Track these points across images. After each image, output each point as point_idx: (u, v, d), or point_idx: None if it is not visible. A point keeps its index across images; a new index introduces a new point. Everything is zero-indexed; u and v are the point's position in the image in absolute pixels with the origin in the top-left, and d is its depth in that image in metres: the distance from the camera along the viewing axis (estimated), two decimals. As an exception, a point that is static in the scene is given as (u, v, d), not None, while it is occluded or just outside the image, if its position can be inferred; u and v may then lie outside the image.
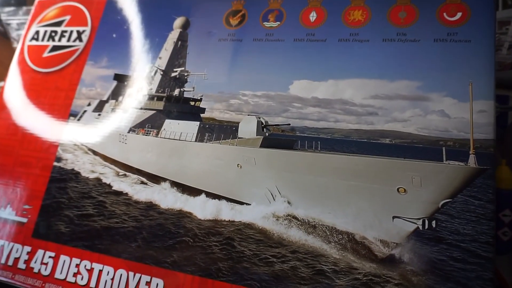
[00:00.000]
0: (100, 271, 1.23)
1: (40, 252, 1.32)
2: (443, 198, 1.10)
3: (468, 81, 1.07)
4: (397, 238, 1.13)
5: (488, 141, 1.04)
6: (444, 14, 1.18)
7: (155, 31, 1.57)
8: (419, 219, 1.12)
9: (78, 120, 1.55)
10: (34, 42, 1.69)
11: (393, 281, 1.01)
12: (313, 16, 1.33)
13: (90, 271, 1.24)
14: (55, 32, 1.68)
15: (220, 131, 1.57)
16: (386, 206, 1.17)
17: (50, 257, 1.30)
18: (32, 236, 1.35)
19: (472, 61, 1.11)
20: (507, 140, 1.48)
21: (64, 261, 1.28)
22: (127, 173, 1.55)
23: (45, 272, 1.28)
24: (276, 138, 1.46)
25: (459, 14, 1.17)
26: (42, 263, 1.30)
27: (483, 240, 0.99)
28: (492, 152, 1.04)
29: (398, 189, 1.16)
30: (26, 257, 1.32)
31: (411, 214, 1.14)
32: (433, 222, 1.11)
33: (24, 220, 1.39)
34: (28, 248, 1.34)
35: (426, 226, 1.10)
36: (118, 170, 1.58)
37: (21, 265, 1.32)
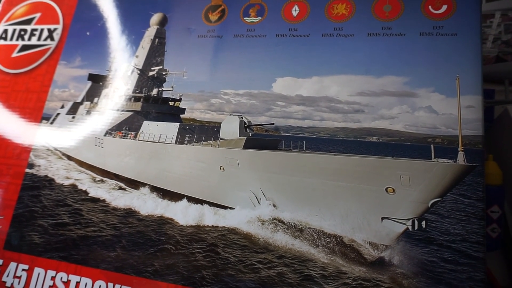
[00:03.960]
0: (78, 283, 1.17)
1: (12, 265, 1.25)
2: (432, 197, 1.08)
3: (455, 76, 1.04)
4: (387, 240, 1.10)
5: (477, 137, 1.02)
6: (429, 7, 1.16)
7: (131, 28, 1.51)
8: (408, 219, 1.10)
9: (51, 123, 1.48)
10: (2, 42, 1.60)
11: (383, 285, 0.98)
12: (295, 11, 1.29)
13: (66, 283, 1.17)
14: (25, 30, 1.59)
15: (201, 132, 1.52)
16: (374, 207, 1.14)
17: (23, 270, 1.23)
18: (3, 248, 1.28)
19: (459, 55, 1.09)
20: (494, 135, 1.47)
21: (39, 273, 1.21)
22: (104, 179, 1.50)
23: (19, 286, 1.21)
24: (260, 139, 1.42)
25: (444, 7, 1.14)
26: (15, 276, 1.23)
27: (473, 240, 0.97)
28: (481, 149, 1.02)
29: (386, 189, 1.13)
30: (-2, 270, 1.26)
31: (400, 214, 1.11)
32: (423, 223, 1.08)
33: (-5, 231, 1.31)
34: (-1, 261, 1.27)
35: (416, 227, 1.08)
36: (95, 175, 1.52)
37: (-7, 279, 1.25)
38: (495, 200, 1.29)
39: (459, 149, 1.02)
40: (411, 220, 1.09)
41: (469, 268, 0.95)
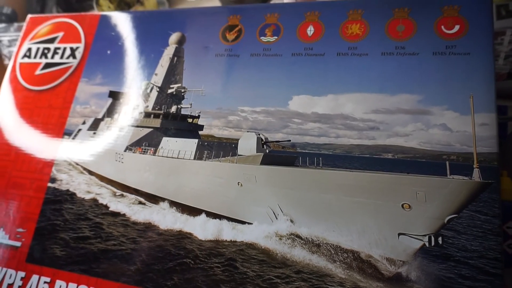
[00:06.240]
0: (98, 296, 1.19)
1: (34, 278, 1.27)
2: (448, 213, 1.09)
3: (469, 94, 1.06)
4: (404, 256, 1.11)
5: (492, 154, 1.04)
6: (442, 27, 1.18)
7: (150, 47, 1.56)
8: (425, 235, 1.11)
9: (73, 139, 1.52)
10: (26, 60, 1.66)
11: (401, 301, 0.99)
12: (310, 31, 1.33)
13: (87, 296, 1.20)
14: (48, 49, 1.65)
15: (219, 148, 1.54)
16: (391, 222, 1.15)
17: (45, 282, 1.26)
18: (26, 260, 1.31)
19: (472, 74, 1.11)
20: (507, 151, 1.48)
21: (60, 286, 1.24)
22: (124, 193, 1.52)
23: (41, 299, 1.24)
24: (276, 155, 1.44)
25: (457, 27, 1.17)
26: (37, 289, 1.25)
27: (491, 256, 0.98)
28: (496, 166, 1.03)
29: (402, 205, 1.14)
30: (20, 283, 1.28)
31: (417, 230, 1.12)
32: (440, 239, 1.09)
33: (18, 244, 1.34)
34: (22, 274, 1.29)
35: (433, 243, 1.09)
36: (115, 190, 1.54)
37: (15, 291, 1.27)
38: (510, 216, 1.29)
39: (474, 166, 1.03)
40: (427, 236, 1.10)
41: (487, 284, 0.96)
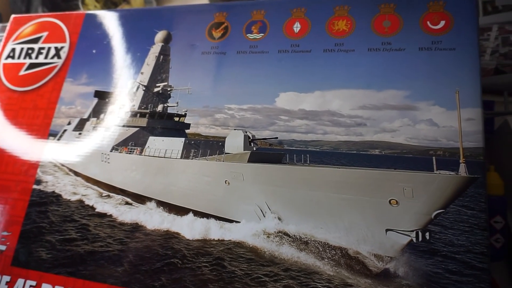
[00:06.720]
0: (85, 298, 1.17)
1: (20, 281, 1.26)
2: (435, 208, 1.09)
3: (455, 89, 1.06)
4: (391, 252, 1.11)
5: (478, 149, 1.04)
6: (428, 22, 1.19)
7: (136, 46, 1.54)
8: (412, 231, 1.11)
9: (58, 140, 1.49)
10: (10, 60, 1.64)
11: (389, 297, 0.99)
12: (297, 27, 1.32)
13: (74, 299, 1.18)
14: (32, 49, 1.63)
15: (206, 147, 1.53)
16: (378, 219, 1.15)
17: (31, 286, 1.24)
18: (11, 264, 1.29)
19: (458, 69, 1.11)
20: (494, 146, 1.49)
21: (46, 289, 1.22)
22: (111, 194, 1.50)
23: (27, 302, 1.22)
24: (264, 153, 1.43)
25: (442, 23, 1.17)
26: (23, 292, 1.23)
27: (477, 251, 0.98)
28: (482, 161, 1.04)
29: (390, 201, 1.14)
30: (6, 287, 1.26)
31: (404, 226, 1.12)
32: (427, 234, 1.09)
33: (3, 247, 1.32)
34: (7, 278, 1.27)
35: (420, 238, 1.09)
36: (101, 191, 1.53)
37: (0, 296, 1.25)
38: (497, 211, 1.30)
39: (460, 161, 1.04)
40: (415, 232, 1.10)
41: (474, 279, 0.96)
